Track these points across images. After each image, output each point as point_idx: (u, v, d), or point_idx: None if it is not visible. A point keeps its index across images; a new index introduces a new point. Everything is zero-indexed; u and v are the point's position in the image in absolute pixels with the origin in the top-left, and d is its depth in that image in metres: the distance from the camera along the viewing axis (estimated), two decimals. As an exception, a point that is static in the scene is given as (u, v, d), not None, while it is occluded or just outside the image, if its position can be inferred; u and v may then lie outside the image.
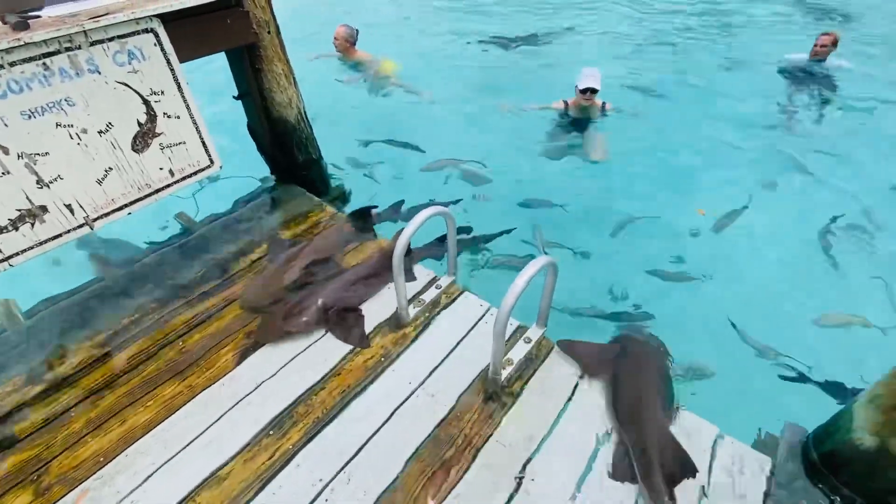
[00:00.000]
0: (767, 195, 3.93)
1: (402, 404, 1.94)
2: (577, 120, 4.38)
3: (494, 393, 1.97)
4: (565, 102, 4.38)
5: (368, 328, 2.26)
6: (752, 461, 1.75)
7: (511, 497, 1.66)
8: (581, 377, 2.05)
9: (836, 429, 1.61)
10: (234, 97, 2.87)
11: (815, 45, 5.38)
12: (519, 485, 1.69)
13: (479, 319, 2.32)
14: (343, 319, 2.26)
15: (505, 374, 2.01)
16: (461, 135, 4.75)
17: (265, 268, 2.57)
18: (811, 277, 3.25)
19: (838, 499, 1.59)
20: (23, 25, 1.73)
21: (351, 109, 5.19)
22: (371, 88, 5.45)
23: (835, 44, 5.31)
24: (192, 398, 1.98)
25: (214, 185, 3.64)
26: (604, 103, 4.34)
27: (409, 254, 2.63)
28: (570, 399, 1.97)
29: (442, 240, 2.80)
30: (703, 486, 1.68)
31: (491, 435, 1.84)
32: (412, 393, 1.98)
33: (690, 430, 1.84)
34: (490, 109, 4.97)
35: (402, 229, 1.95)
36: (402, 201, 3.43)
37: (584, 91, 4.06)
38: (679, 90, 5.42)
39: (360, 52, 5.61)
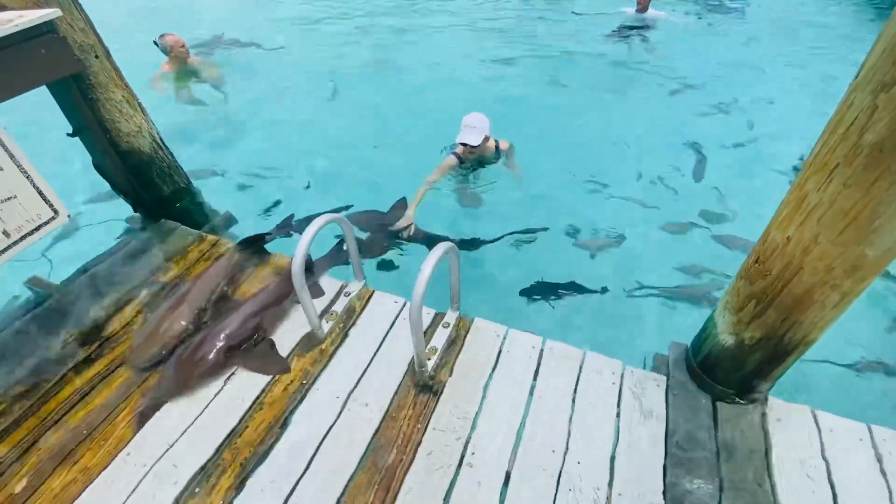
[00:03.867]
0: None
1: (335, 422, 1.90)
2: (475, 167, 3.76)
3: (424, 384, 2.01)
4: (456, 155, 3.61)
5: (284, 352, 2.16)
6: (651, 381, 2.02)
7: (456, 476, 1.73)
8: (502, 344, 2.18)
9: (706, 336, 1.92)
10: (67, 134, 2.50)
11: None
12: (461, 462, 1.77)
13: (397, 316, 2.34)
14: (254, 352, 2.14)
15: (431, 363, 2.06)
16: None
17: (149, 319, 2.31)
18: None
19: (716, 394, 1.91)
20: None
21: (204, 122, 4.84)
22: (218, 91, 5.30)
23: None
24: (90, 482, 1.73)
25: (71, 237, 3.17)
26: (497, 143, 3.69)
27: (311, 267, 2.55)
28: (493, 369, 2.09)
29: (341, 246, 2.76)
30: (617, 414, 1.91)
31: (427, 426, 1.89)
32: (343, 407, 1.95)
33: (600, 369, 2.07)
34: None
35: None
36: (292, 215, 3.29)
37: (463, 145, 3.39)
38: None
39: (194, 58, 5.38)
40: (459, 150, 3.52)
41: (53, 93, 2.32)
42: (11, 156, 1.91)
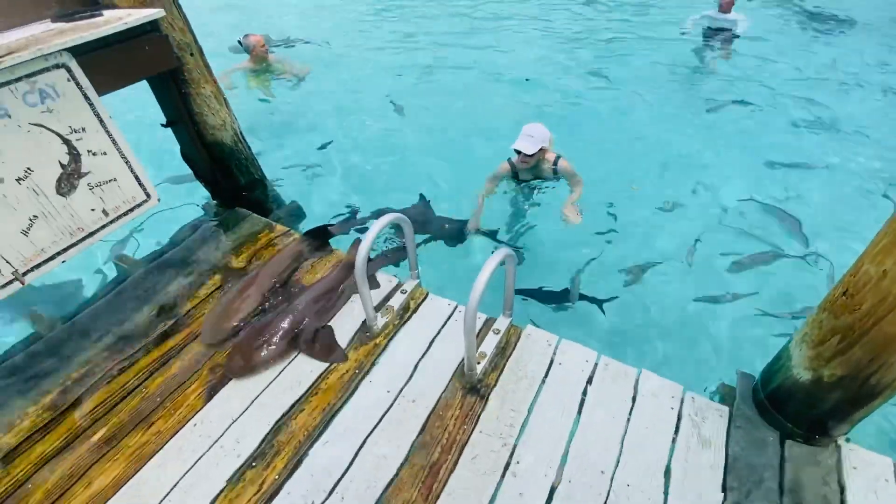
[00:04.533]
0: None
1: (384, 415, 1.96)
2: (528, 181, 3.61)
3: (472, 387, 2.02)
4: (510, 163, 3.48)
5: (342, 342, 2.25)
6: (713, 411, 1.91)
7: (500, 483, 1.73)
8: (554, 354, 2.14)
9: (778, 369, 1.79)
10: (162, 125, 2.73)
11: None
12: (506, 469, 1.76)
13: (448, 318, 2.37)
14: (315, 338, 2.24)
15: (480, 367, 2.07)
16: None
17: (220, 300, 2.48)
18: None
19: (785, 431, 1.78)
20: (-89, 74, 1.57)
21: (280, 117, 5.10)
22: (293, 88, 5.61)
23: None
24: (163, 445, 1.89)
25: (154, 218, 3.46)
26: (557, 158, 3.42)
27: (369, 262, 2.62)
28: (543, 379, 2.06)
29: (397, 246, 2.82)
30: (673, 440, 1.82)
31: (474, 428, 1.89)
32: (393, 402, 2.00)
33: (657, 391, 1.99)
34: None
35: (359, 239, 1.95)
36: (357, 210, 3.40)
37: (517, 153, 3.27)
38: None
39: (273, 55, 5.74)
40: (515, 158, 3.40)
41: (152, 86, 2.54)
42: (114, 141, 2.11)
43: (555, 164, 3.43)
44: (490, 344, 2.19)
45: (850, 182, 3.98)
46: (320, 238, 2.83)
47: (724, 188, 3.90)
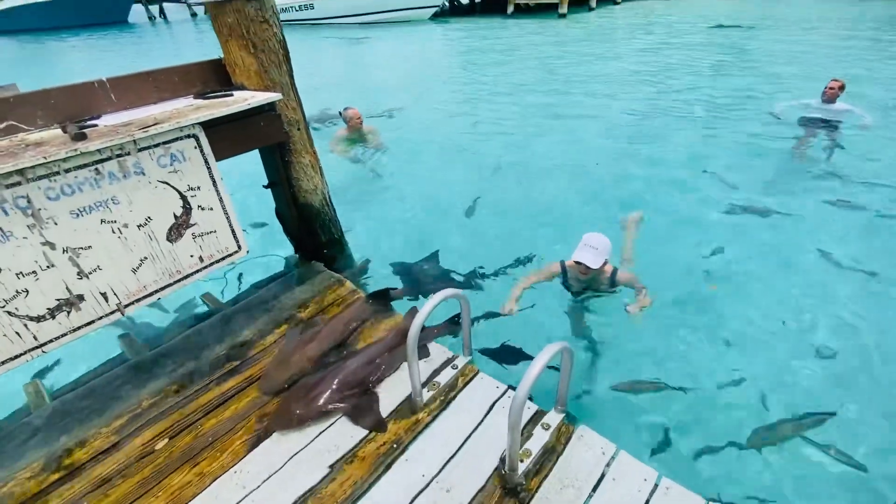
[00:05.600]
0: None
1: (415, 499, 1.87)
2: (579, 290, 3.36)
3: (511, 489, 1.88)
4: (562, 264, 3.28)
5: (385, 412, 2.24)
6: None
7: None
8: (607, 466, 1.94)
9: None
10: (263, 186, 3.09)
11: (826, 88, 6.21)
12: None
13: (496, 402, 2.27)
14: (359, 403, 2.25)
15: (522, 467, 1.93)
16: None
17: (282, 350, 2.61)
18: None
19: None
20: (81, 136, 1.96)
21: (362, 180, 5.56)
22: (377, 157, 6.17)
23: (842, 88, 6.12)
24: (203, 489, 1.95)
25: (246, 265, 3.82)
26: (614, 270, 3.21)
27: (423, 331, 2.64)
28: (591, 495, 1.86)
29: (455, 320, 2.82)
30: None
31: (508, 537, 1.73)
32: (426, 486, 1.91)
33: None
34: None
35: (415, 308, 1.99)
36: (419, 278, 3.50)
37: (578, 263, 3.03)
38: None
39: (367, 126, 6.42)
40: (570, 263, 3.14)
41: (261, 154, 2.91)
42: (221, 199, 2.42)
43: (612, 275, 3.21)
44: (538, 442, 2.04)
45: None
46: (383, 300, 2.92)
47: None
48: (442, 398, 2.28)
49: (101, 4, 30.09)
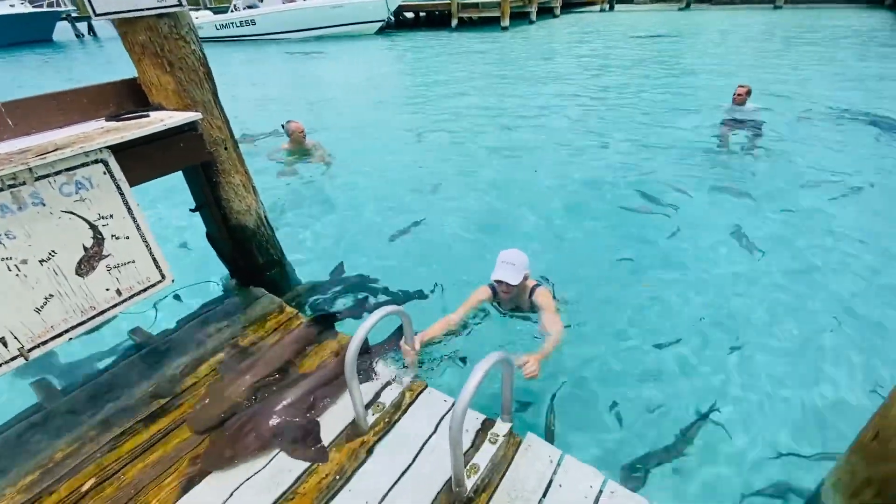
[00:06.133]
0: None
1: (358, 530, 1.78)
2: (511, 309, 3.15)
3: (459, 507, 1.83)
4: (492, 288, 3.03)
5: (327, 440, 2.14)
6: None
7: None
8: (554, 474, 1.94)
9: (813, 518, 1.53)
10: (190, 210, 2.92)
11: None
12: None
13: (443, 417, 2.22)
14: (297, 434, 2.14)
15: (471, 483, 1.89)
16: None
17: (214, 384, 2.45)
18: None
19: None
20: (-33, 167, 1.77)
21: (306, 199, 5.41)
22: (322, 171, 5.99)
23: (748, 93, 7.00)
24: (125, 545, 1.78)
25: (181, 292, 3.60)
26: (534, 288, 2.99)
27: (369, 351, 2.57)
28: (539, 503, 1.85)
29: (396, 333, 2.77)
30: None
31: (456, 559, 1.68)
32: (370, 515, 1.83)
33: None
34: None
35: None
36: (367, 297, 3.42)
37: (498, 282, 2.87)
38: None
39: (310, 140, 6.28)
40: (493, 282, 2.95)
41: (185, 175, 2.76)
42: (138, 227, 2.26)
43: (531, 294, 2.99)
44: (486, 455, 2.01)
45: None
46: (326, 322, 2.82)
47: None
48: (387, 419, 2.21)
49: (21, 23, 28.11)
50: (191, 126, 2.44)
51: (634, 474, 2.38)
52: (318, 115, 9.06)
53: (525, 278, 2.90)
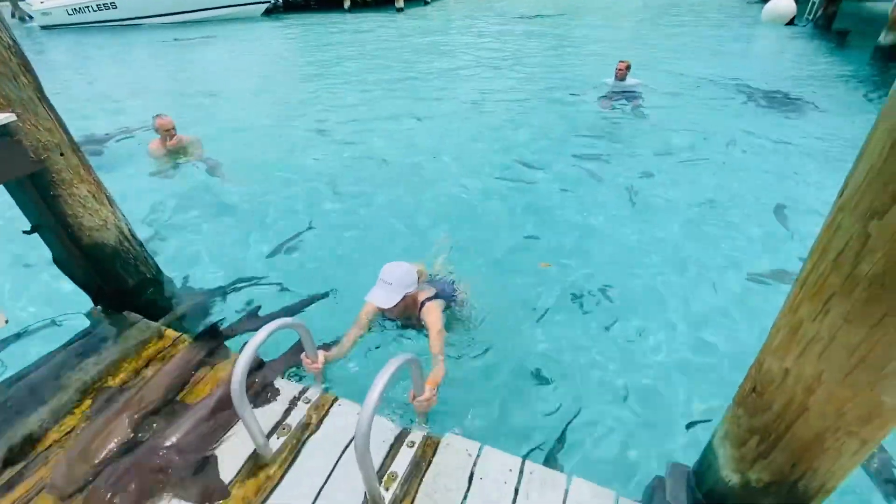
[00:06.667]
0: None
1: (267, 574, 1.60)
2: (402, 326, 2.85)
3: (377, 524, 1.72)
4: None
5: (228, 475, 1.90)
6: (647, 522, 1.70)
7: None
8: (474, 466, 1.89)
9: (708, 467, 1.63)
10: (24, 232, 2.42)
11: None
12: None
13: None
14: (187, 473, 1.87)
15: (388, 495, 1.78)
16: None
17: (81, 435, 2.07)
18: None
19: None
20: None
21: (186, 202, 4.81)
22: (202, 171, 5.34)
23: (628, 68, 7.61)
24: None
25: (28, 335, 3.02)
26: (424, 303, 2.62)
27: (261, 369, 2.33)
28: (463, 499, 1.79)
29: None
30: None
31: (379, 580, 1.57)
32: (280, 554, 1.65)
33: (588, 500, 1.77)
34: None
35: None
36: (259, 307, 3.12)
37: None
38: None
39: (186, 137, 5.55)
40: None
41: (9, 190, 2.26)
42: (-58, 263, 1.79)
43: (420, 308, 2.61)
44: (403, 461, 1.92)
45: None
46: (213, 339, 2.51)
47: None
48: (294, 442, 2.02)
49: None
50: (3, 130, 1.97)
51: (552, 454, 2.42)
52: (195, 108, 8.16)
53: (406, 297, 2.48)
